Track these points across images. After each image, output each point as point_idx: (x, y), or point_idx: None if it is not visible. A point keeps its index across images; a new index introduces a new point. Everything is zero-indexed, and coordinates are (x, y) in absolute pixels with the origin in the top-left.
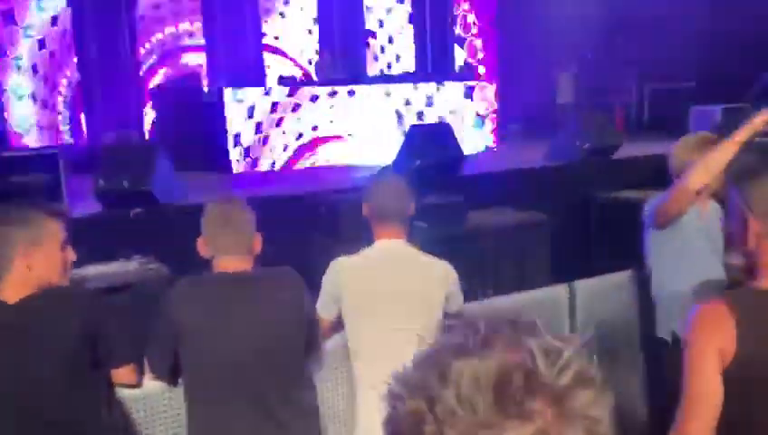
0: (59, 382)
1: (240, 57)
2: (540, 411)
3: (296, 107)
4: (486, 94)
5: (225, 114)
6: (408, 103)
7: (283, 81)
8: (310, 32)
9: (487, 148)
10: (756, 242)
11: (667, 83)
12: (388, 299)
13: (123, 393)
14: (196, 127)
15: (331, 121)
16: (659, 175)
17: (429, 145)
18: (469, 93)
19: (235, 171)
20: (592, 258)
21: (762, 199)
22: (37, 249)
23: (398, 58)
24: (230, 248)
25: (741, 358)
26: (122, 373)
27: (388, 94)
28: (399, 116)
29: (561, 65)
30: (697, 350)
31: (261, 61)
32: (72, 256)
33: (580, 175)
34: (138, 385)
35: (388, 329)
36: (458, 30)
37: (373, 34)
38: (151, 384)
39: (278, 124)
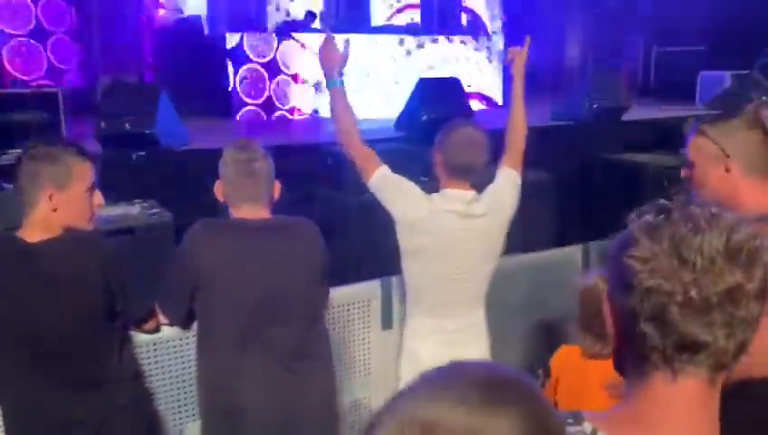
0: (71, 328)
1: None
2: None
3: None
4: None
5: (227, 58)
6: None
7: (285, 25)
8: None
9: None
10: (733, 184)
11: (677, 46)
12: (450, 248)
13: (134, 338)
14: (197, 70)
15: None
16: (666, 139)
17: (438, 99)
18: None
19: (237, 118)
20: (595, 219)
21: (737, 144)
22: (64, 191)
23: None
24: (250, 197)
25: None
26: (140, 325)
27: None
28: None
29: (568, 23)
30: None
31: (264, 4)
32: (99, 200)
33: (587, 135)
34: (155, 331)
35: (447, 274)
36: None
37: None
38: (162, 330)
39: (281, 71)
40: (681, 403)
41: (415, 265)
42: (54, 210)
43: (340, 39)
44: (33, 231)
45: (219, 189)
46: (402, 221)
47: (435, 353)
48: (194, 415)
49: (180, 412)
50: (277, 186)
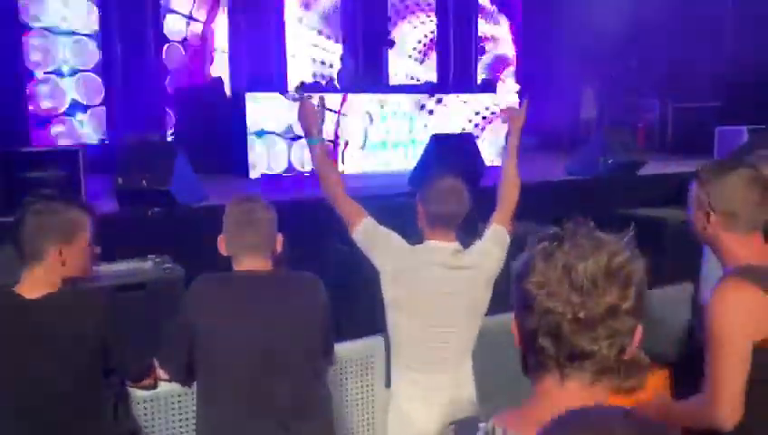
0: (68, 385)
1: (262, 63)
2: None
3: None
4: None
5: (247, 118)
6: (431, 112)
7: (306, 87)
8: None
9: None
10: (714, 233)
11: (692, 102)
12: (433, 301)
13: (132, 394)
14: (216, 130)
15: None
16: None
17: (451, 154)
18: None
19: (251, 176)
20: None
21: (722, 197)
22: (70, 244)
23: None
24: (251, 248)
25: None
26: (137, 381)
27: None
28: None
29: (584, 81)
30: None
31: (284, 67)
32: (97, 250)
33: (601, 190)
34: (152, 388)
35: (430, 328)
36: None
37: (393, 43)
38: (161, 386)
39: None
40: (567, 400)
41: (398, 318)
42: (63, 264)
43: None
44: (34, 286)
45: (222, 243)
46: (385, 272)
47: (422, 412)
48: None
49: None
50: (279, 238)
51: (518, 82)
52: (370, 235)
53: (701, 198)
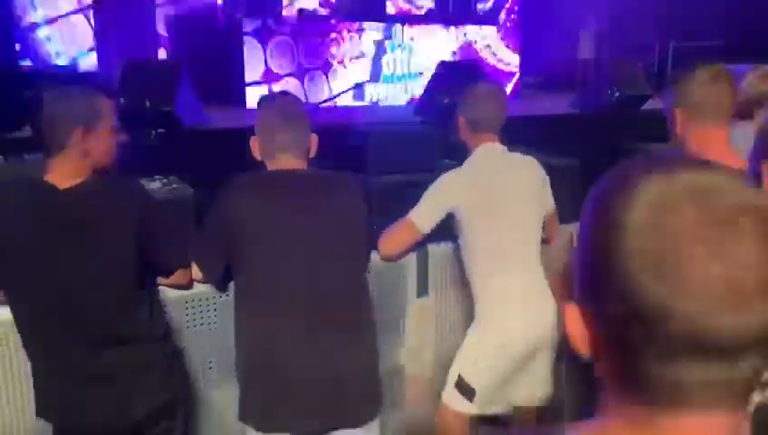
0: (107, 281)
1: None
2: None
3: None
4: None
5: (243, 46)
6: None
7: (305, 15)
8: None
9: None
10: (681, 131)
11: (693, 42)
12: (510, 205)
13: (166, 295)
14: (211, 58)
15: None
16: None
17: (458, 83)
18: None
19: (248, 105)
20: None
21: (688, 92)
22: (94, 131)
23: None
24: (288, 147)
25: None
26: (174, 276)
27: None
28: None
29: (582, 21)
30: None
31: None
32: (123, 137)
33: (608, 124)
34: (188, 287)
35: (509, 229)
36: None
37: None
38: (196, 289)
39: (298, 58)
40: None
41: (475, 229)
42: (86, 151)
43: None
44: (64, 176)
45: (255, 145)
46: (459, 204)
47: (510, 315)
48: (225, 379)
49: (208, 375)
50: (314, 139)
51: (519, 20)
52: (430, 210)
53: (670, 99)
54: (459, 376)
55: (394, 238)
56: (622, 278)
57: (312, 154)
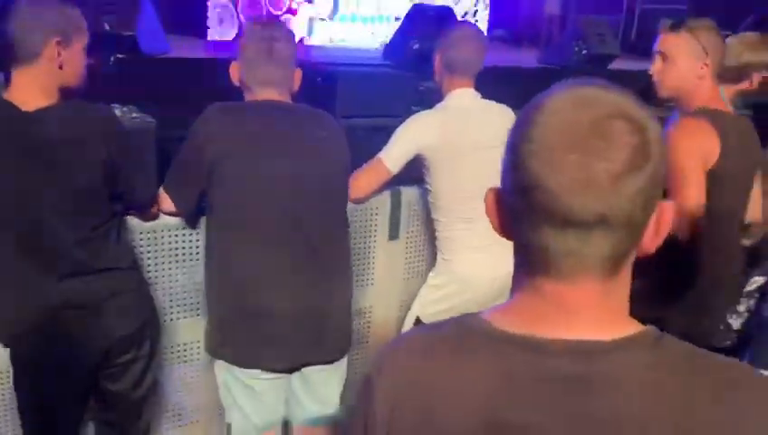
0: (75, 209)
1: None
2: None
3: None
4: None
5: None
6: None
7: None
8: None
9: None
10: (700, 81)
11: (660, 4)
12: (479, 151)
13: (133, 225)
14: None
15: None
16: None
17: (430, 27)
18: None
19: (210, 38)
20: None
21: (717, 47)
22: (68, 45)
23: None
24: (270, 81)
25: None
26: (141, 206)
27: None
28: None
29: None
30: (686, 151)
31: None
32: (93, 61)
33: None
34: (154, 218)
35: (475, 174)
36: None
37: None
38: (164, 219)
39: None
40: None
41: (443, 173)
42: (60, 66)
43: None
44: (29, 94)
45: (235, 71)
46: (428, 144)
47: (473, 261)
48: (190, 311)
49: (174, 307)
50: (298, 73)
51: None
52: (399, 150)
53: (696, 49)
54: (417, 318)
55: (364, 178)
56: (517, 158)
57: (296, 89)
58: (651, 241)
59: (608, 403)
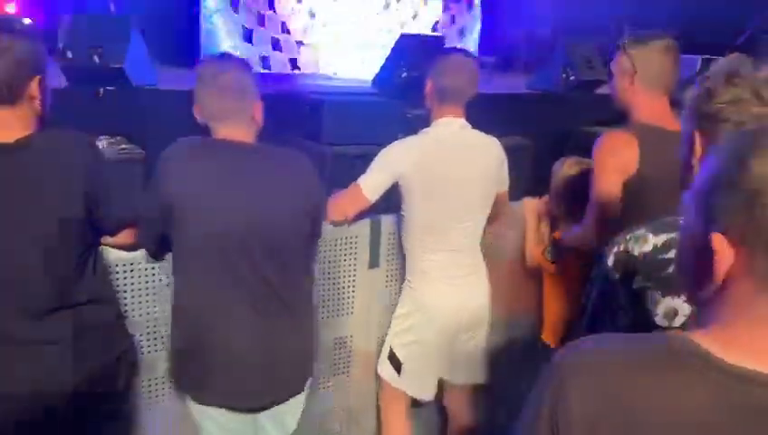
0: (53, 239)
1: None
2: None
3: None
4: (466, 20)
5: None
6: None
7: None
8: None
9: None
10: (631, 95)
11: (648, 30)
12: (456, 184)
13: (108, 255)
14: (165, 14)
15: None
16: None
17: (419, 57)
18: (451, 16)
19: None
20: None
21: (644, 60)
22: (44, 80)
23: None
24: (228, 113)
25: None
26: (121, 235)
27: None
28: None
29: (539, 3)
30: (603, 166)
31: None
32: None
33: (563, 106)
34: (134, 248)
35: (448, 206)
36: None
37: None
38: (140, 251)
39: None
40: None
41: (420, 204)
42: (37, 99)
43: None
44: (10, 129)
45: (197, 109)
46: (408, 175)
47: (440, 293)
48: (164, 346)
49: (152, 341)
50: (259, 106)
51: None
52: (379, 176)
53: (624, 64)
54: (390, 348)
55: (341, 203)
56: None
57: (258, 123)
58: None
59: None
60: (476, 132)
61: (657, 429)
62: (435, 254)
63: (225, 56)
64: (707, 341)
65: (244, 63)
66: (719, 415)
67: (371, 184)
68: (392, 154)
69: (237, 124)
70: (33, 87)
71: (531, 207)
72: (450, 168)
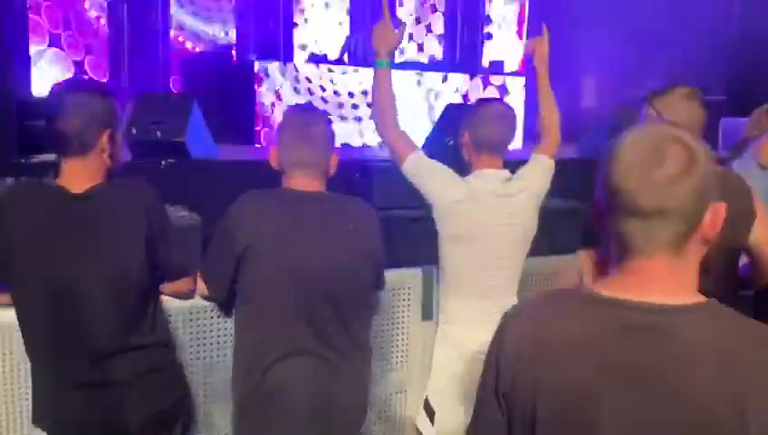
0: (117, 283)
1: (270, 32)
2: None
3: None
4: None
5: (255, 86)
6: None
7: (313, 58)
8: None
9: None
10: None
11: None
12: (490, 231)
13: (167, 306)
14: (223, 98)
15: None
16: None
17: None
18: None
19: (259, 145)
20: None
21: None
22: (117, 133)
23: (420, 47)
24: (304, 164)
25: None
26: (178, 283)
27: (419, 83)
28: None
29: (585, 71)
30: None
31: (290, 36)
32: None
33: None
34: (190, 297)
35: (488, 257)
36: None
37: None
38: (198, 301)
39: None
40: None
41: (455, 250)
42: (110, 154)
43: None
44: (77, 180)
45: (273, 155)
46: (439, 205)
47: (477, 337)
48: (220, 397)
49: (207, 390)
50: (335, 159)
51: (524, 70)
52: (423, 166)
53: (651, 114)
54: (426, 398)
55: (400, 137)
56: (607, 177)
57: (330, 174)
58: (708, 232)
59: (671, 347)
60: (518, 179)
61: (558, 352)
62: (463, 299)
63: (311, 108)
64: (598, 287)
65: (328, 117)
66: (600, 332)
67: (421, 156)
68: (446, 172)
69: (314, 173)
70: (104, 140)
71: (587, 260)
72: (486, 218)
